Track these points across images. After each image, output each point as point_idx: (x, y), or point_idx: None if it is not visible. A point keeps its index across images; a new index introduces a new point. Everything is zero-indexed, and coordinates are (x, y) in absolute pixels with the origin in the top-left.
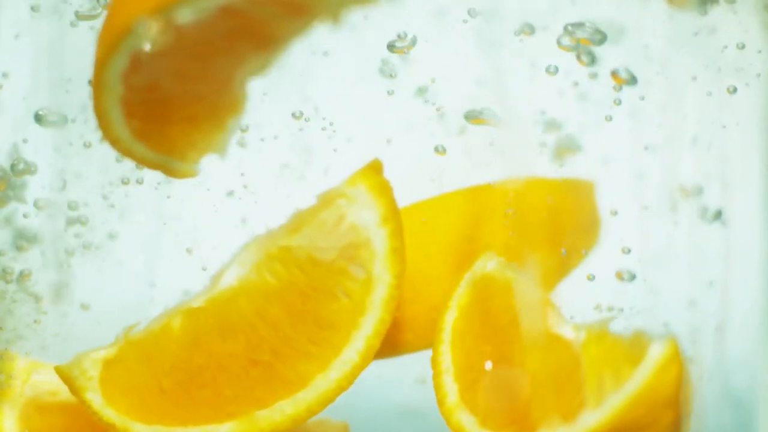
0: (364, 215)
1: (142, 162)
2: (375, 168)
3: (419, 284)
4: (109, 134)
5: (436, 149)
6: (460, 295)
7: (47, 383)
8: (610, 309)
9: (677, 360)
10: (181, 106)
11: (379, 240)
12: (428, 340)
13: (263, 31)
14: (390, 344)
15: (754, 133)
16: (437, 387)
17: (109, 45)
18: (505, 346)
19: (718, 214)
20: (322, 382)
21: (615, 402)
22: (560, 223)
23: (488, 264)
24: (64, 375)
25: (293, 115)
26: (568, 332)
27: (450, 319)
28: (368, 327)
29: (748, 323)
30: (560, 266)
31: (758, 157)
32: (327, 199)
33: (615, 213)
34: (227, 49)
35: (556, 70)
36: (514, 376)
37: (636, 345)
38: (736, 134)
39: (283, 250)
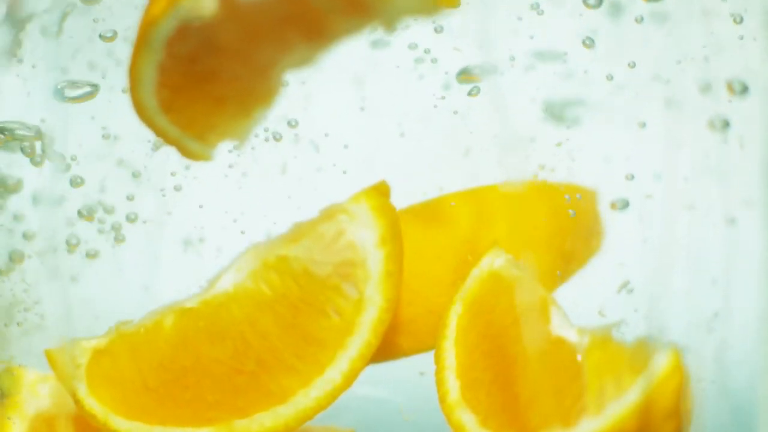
0: (363, 234)
1: (160, 135)
2: (380, 189)
3: (417, 286)
4: (136, 99)
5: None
6: (467, 291)
7: (55, 396)
8: (625, 287)
9: (679, 371)
10: (216, 84)
11: (375, 261)
12: (425, 343)
13: (318, 23)
14: (386, 347)
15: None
16: (439, 383)
17: (161, 7)
18: (508, 346)
19: (725, 123)
20: (303, 399)
21: (615, 410)
22: (562, 227)
23: (496, 261)
24: (53, 359)
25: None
26: (571, 336)
27: (455, 314)
28: (354, 348)
29: (748, 323)
30: (561, 270)
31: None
32: (329, 213)
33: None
34: (278, 35)
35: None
36: (516, 376)
37: (639, 353)
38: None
39: (280, 260)
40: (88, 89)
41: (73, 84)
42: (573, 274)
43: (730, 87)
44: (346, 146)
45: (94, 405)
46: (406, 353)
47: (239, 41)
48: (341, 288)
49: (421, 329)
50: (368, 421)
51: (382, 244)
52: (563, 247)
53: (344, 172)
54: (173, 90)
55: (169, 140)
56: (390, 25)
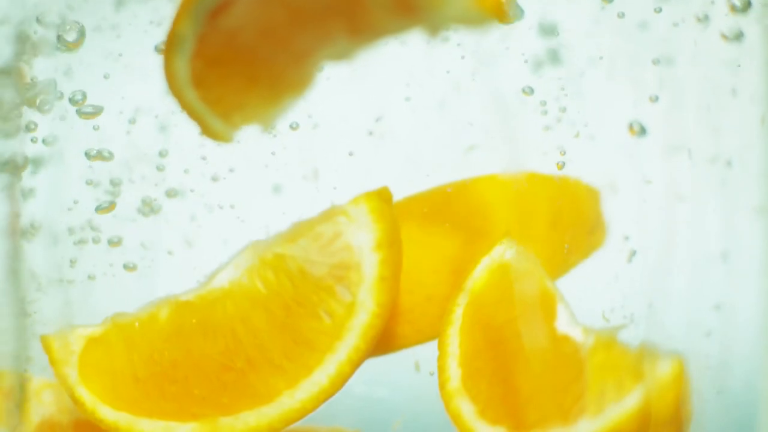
0: (360, 237)
1: (185, 108)
2: (382, 194)
3: (416, 274)
4: (169, 66)
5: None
6: (475, 279)
7: (61, 402)
8: (632, 256)
9: (681, 380)
10: (251, 63)
11: (370, 265)
12: (425, 333)
13: (364, 18)
14: (386, 338)
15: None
16: (441, 369)
17: None
18: (513, 339)
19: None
20: (288, 400)
21: (614, 414)
22: (563, 220)
23: (507, 252)
24: (47, 344)
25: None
26: (577, 334)
27: (462, 301)
28: (343, 352)
29: (748, 323)
30: (561, 262)
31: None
32: (328, 214)
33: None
34: (322, 24)
35: None
36: (519, 370)
37: (642, 358)
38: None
39: (277, 258)
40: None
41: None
42: (574, 265)
43: (732, 7)
44: (351, 154)
45: (83, 393)
46: (405, 344)
47: (282, 23)
48: (334, 290)
49: (420, 318)
50: (371, 421)
51: (378, 248)
52: (563, 236)
53: (350, 154)
54: (207, 62)
55: (193, 115)
56: (434, 31)
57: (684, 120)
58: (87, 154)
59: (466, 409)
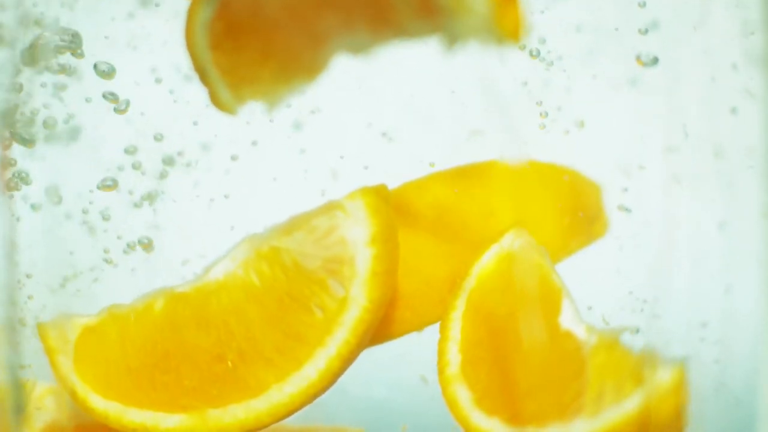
0: (355, 231)
1: (198, 71)
2: (379, 190)
3: (415, 259)
4: (190, 25)
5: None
6: (482, 265)
7: (64, 408)
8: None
9: (682, 388)
10: (268, 37)
11: (363, 260)
12: (425, 319)
13: (388, 13)
14: (387, 324)
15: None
16: (440, 353)
17: None
18: (516, 330)
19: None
20: (277, 394)
21: (611, 416)
22: (563, 205)
23: (516, 241)
24: (43, 332)
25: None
26: (580, 332)
27: (468, 287)
28: (333, 347)
29: (748, 323)
30: (560, 247)
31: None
32: (325, 208)
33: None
34: (346, 10)
35: None
36: (520, 362)
37: (643, 363)
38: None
39: (272, 250)
40: None
41: None
42: (574, 252)
43: None
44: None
45: (76, 382)
46: (405, 329)
47: (307, 2)
48: (327, 284)
49: (419, 303)
50: (373, 421)
51: (372, 243)
52: (562, 220)
53: (342, 156)
54: (227, 26)
55: (204, 80)
56: (451, 41)
57: (684, 110)
58: (98, 109)
59: (463, 395)
